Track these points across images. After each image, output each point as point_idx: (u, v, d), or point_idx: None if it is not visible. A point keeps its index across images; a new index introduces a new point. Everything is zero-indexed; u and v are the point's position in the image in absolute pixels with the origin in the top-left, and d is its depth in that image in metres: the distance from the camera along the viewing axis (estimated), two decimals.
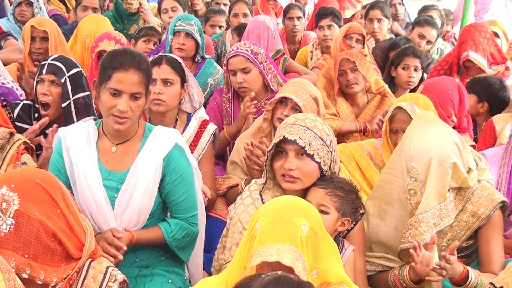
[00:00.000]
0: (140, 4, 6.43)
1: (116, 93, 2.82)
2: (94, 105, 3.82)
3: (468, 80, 5.23)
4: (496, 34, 5.86)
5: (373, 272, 3.08)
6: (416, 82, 5.00)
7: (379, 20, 6.47)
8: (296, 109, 3.60)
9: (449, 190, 2.98)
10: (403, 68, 5.06)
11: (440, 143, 2.94)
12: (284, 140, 2.79)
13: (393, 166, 3.11)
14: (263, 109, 4.04)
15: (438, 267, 2.77)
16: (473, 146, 4.24)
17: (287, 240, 2.15)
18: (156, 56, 3.82)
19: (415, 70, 5.05)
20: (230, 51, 4.39)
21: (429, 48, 6.29)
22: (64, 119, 3.73)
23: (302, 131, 2.78)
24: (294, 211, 2.24)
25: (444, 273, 2.78)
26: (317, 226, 2.24)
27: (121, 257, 2.82)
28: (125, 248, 2.85)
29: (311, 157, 2.77)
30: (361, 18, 7.24)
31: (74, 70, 3.78)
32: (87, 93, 3.80)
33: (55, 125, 3.54)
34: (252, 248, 2.20)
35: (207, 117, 3.93)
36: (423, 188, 2.92)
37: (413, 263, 2.82)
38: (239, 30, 5.72)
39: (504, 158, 3.74)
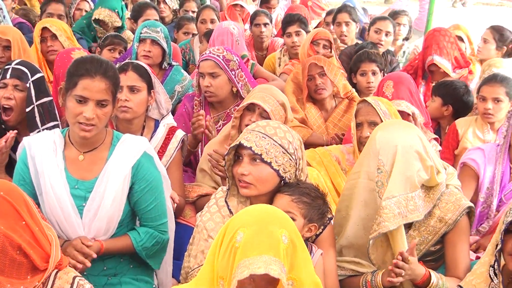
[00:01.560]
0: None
1: (82, 100, 2.80)
2: (57, 113, 3.77)
3: (433, 84, 5.30)
4: (460, 38, 5.94)
5: (344, 276, 3.08)
6: (376, 86, 4.98)
7: (347, 24, 6.52)
8: (264, 115, 3.61)
9: (421, 186, 3.00)
10: (361, 74, 5.08)
11: (405, 135, 3.00)
12: (242, 146, 2.79)
13: (357, 170, 3.14)
14: (232, 116, 4.03)
15: (394, 266, 2.79)
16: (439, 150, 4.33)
17: (271, 251, 2.13)
18: (122, 63, 3.78)
19: (373, 74, 5.06)
20: (203, 54, 4.38)
21: (390, 40, 6.35)
22: (27, 124, 3.67)
23: (260, 138, 2.78)
24: (275, 222, 2.21)
25: (403, 273, 2.79)
26: (295, 237, 2.24)
27: (88, 264, 2.80)
28: (94, 255, 2.82)
29: (268, 164, 2.76)
30: (327, 25, 7.28)
31: (38, 75, 3.73)
32: (50, 98, 3.76)
33: (14, 131, 3.49)
34: (235, 259, 2.16)
35: (175, 124, 3.92)
36: (389, 178, 2.97)
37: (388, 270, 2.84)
38: (209, 36, 5.71)
39: (498, 157, 3.79)
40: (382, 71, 5.10)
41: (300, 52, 5.57)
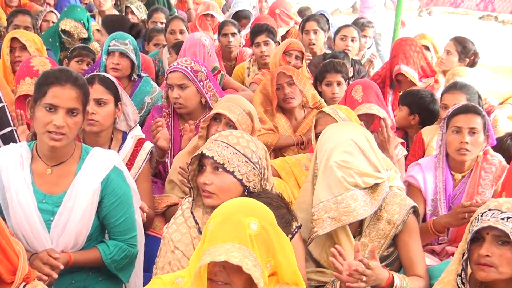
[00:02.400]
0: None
1: (52, 109, 2.78)
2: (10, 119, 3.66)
3: (400, 93, 5.36)
4: (426, 47, 6.02)
5: None
6: (341, 97, 5.00)
7: (315, 32, 6.55)
8: (230, 124, 3.62)
9: (356, 186, 3.02)
10: (326, 85, 5.08)
11: (335, 141, 3.05)
12: (204, 156, 2.80)
13: (307, 173, 3.22)
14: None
15: (355, 272, 2.78)
16: (405, 156, 4.38)
17: (236, 238, 2.20)
18: (88, 75, 3.76)
19: (338, 84, 5.06)
20: (171, 66, 4.37)
21: (357, 46, 6.42)
22: None
23: (222, 147, 2.79)
24: (243, 210, 2.28)
25: (364, 279, 2.79)
26: (268, 224, 2.29)
27: (55, 275, 2.77)
28: (61, 267, 2.80)
29: (231, 173, 2.78)
30: (296, 36, 7.33)
31: None
32: (1, 104, 3.62)
33: None
34: (203, 248, 2.25)
35: (143, 136, 3.89)
36: None
37: (336, 273, 2.83)
38: (177, 48, 5.71)
39: (437, 167, 3.84)
40: (347, 81, 5.13)
41: (272, 62, 5.61)
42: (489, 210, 2.56)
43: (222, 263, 2.21)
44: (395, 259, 3.17)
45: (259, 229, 2.25)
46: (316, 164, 3.10)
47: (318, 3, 9.64)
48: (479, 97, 4.63)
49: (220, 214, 2.29)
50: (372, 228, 3.11)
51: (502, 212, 2.51)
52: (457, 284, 2.61)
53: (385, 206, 3.11)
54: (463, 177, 3.81)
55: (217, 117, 3.68)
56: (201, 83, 4.29)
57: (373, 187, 3.08)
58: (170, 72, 4.30)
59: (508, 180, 3.24)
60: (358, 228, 3.15)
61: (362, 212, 3.01)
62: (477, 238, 2.57)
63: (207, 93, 4.32)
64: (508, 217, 2.49)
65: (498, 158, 3.83)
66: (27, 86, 4.20)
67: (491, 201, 2.65)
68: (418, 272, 3.05)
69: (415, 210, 3.15)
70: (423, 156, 4.53)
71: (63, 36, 6.32)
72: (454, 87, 4.57)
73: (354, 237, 3.11)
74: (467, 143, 3.67)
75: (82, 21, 6.45)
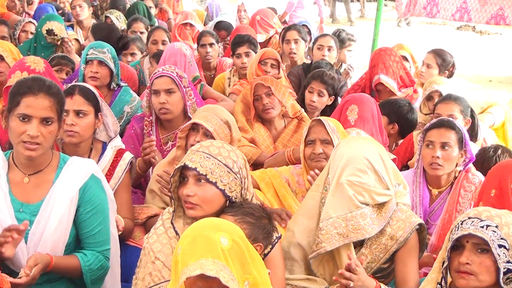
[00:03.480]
0: (65, 41, 6.31)
1: (26, 118, 2.77)
2: None
3: (379, 103, 5.38)
4: (404, 58, 6.06)
5: None
6: (318, 107, 5.06)
7: (296, 41, 6.58)
8: (208, 134, 3.61)
9: (366, 205, 3.05)
10: (309, 91, 5.10)
11: (349, 158, 3.06)
12: (186, 167, 2.79)
13: (318, 182, 3.24)
14: None
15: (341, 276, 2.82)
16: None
17: (209, 254, 2.18)
18: (69, 86, 3.73)
19: (319, 95, 5.07)
20: (156, 72, 4.34)
21: (334, 55, 6.46)
22: None
23: (204, 158, 2.79)
24: (211, 227, 2.28)
25: (351, 284, 2.81)
26: (238, 238, 2.28)
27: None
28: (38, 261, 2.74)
29: (214, 184, 2.78)
30: (276, 46, 7.35)
31: None
32: None
33: None
34: (178, 271, 2.21)
35: (123, 146, 3.87)
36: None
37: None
38: (158, 57, 5.70)
39: (415, 181, 3.86)
40: (332, 97, 5.13)
41: (248, 72, 5.62)
42: (469, 218, 2.59)
43: (199, 283, 2.18)
44: (391, 272, 3.19)
45: (230, 243, 2.23)
46: (328, 178, 3.12)
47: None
48: (472, 111, 4.68)
49: (187, 236, 2.26)
50: (374, 240, 3.11)
51: (481, 220, 2.54)
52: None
53: (390, 222, 3.13)
54: (440, 192, 3.83)
55: (195, 127, 3.68)
56: (185, 89, 4.30)
57: (381, 204, 3.10)
58: (156, 78, 4.28)
59: (484, 190, 3.26)
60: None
61: (370, 230, 3.04)
62: (457, 246, 2.60)
63: (188, 101, 4.31)
64: (488, 225, 2.52)
65: (478, 178, 3.82)
66: (16, 79, 4.18)
67: (470, 210, 2.68)
68: None
69: (419, 228, 3.16)
70: (410, 159, 4.56)
71: (48, 37, 6.26)
72: (448, 98, 4.63)
73: (355, 247, 3.11)
74: (438, 157, 3.69)
75: (63, 24, 6.42)
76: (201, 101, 4.63)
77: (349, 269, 2.83)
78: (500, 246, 2.49)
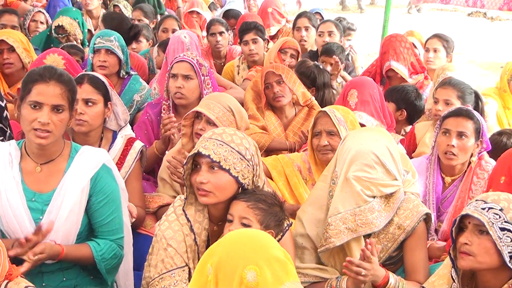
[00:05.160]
0: (70, 40, 6.33)
1: (37, 106, 2.77)
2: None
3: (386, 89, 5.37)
4: (414, 45, 6.02)
5: (307, 283, 3.10)
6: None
7: (306, 29, 6.58)
8: (211, 122, 3.62)
9: (374, 197, 3.04)
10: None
11: (356, 152, 3.05)
12: (200, 154, 2.79)
13: (326, 173, 3.24)
14: None
15: (354, 264, 2.83)
16: None
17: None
18: (78, 75, 3.74)
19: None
20: (177, 57, 4.38)
21: (337, 40, 6.41)
22: None
23: (218, 145, 2.78)
24: (240, 256, 1.92)
25: (363, 273, 2.82)
26: (265, 264, 1.92)
27: (23, 269, 2.67)
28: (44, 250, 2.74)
29: (227, 171, 2.77)
30: (287, 35, 7.33)
31: None
32: None
33: None
34: None
35: (133, 135, 3.89)
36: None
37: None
38: (164, 46, 5.70)
39: (429, 168, 3.84)
40: (313, 88, 5.16)
41: (266, 58, 5.63)
42: (476, 200, 2.61)
43: None
44: (399, 259, 3.19)
45: (257, 278, 1.86)
46: (335, 172, 3.12)
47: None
48: (478, 97, 4.63)
49: (217, 254, 1.95)
50: (382, 230, 3.11)
51: (485, 203, 2.56)
52: (452, 276, 2.64)
53: (397, 211, 3.13)
54: (453, 180, 3.81)
55: (199, 115, 3.68)
56: (203, 78, 4.31)
57: (389, 195, 3.11)
58: (177, 62, 4.31)
59: (493, 177, 3.25)
60: None
61: (378, 224, 3.05)
62: (462, 228, 2.61)
63: (205, 89, 4.32)
64: (490, 208, 2.53)
65: (491, 165, 3.76)
66: None
67: (481, 194, 2.68)
68: (419, 279, 3.05)
69: (426, 217, 3.16)
70: (413, 151, 4.54)
71: (55, 34, 6.28)
72: (448, 83, 4.58)
73: (363, 237, 3.11)
74: (453, 146, 3.65)
75: (77, 20, 6.43)
76: (219, 91, 4.61)
77: (363, 258, 2.84)
78: (503, 229, 2.49)
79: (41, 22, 6.91)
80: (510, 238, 2.49)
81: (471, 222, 2.56)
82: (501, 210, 2.51)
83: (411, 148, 4.67)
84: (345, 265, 2.87)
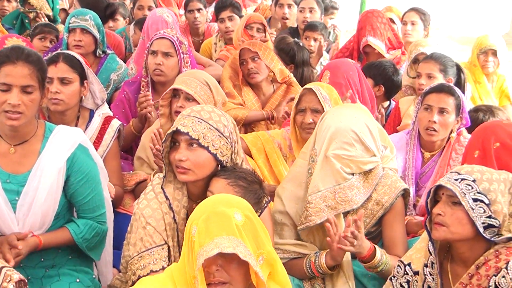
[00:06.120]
0: (38, 16, 6.23)
1: (6, 88, 2.73)
2: None
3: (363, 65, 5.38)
4: (391, 20, 6.03)
5: (286, 259, 3.12)
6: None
7: (289, 6, 6.56)
8: (189, 98, 3.60)
9: (353, 174, 3.06)
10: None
11: (336, 130, 3.06)
12: (178, 132, 2.78)
13: (305, 150, 3.26)
14: None
15: (349, 234, 2.86)
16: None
17: (223, 231, 2.18)
18: (53, 54, 3.70)
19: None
20: (157, 34, 4.37)
21: (317, 17, 6.42)
22: None
23: (196, 123, 2.77)
24: (223, 203, 2.27)
25: (355, 242, 2.86)
26: (250, 213, 2.28)
27: (12, 263, 2.70)
28: (22, 251, 2.76)
29: (206, 148, 2.77)
30: (264, 12, 7.28)
31: None
32: None
33: None
34: (194, 252, 2.21)
35: (110, 113, 3.87)
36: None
37: (329, 240, 2.91)
38: (140, 24, 5.64)
39: (409, 143, 3.86)
40: (291, 65, 5.18)
41: (234, 37, 5.60)
42: (450, 172, 2.64)
43: (218, 261, 2.20)
44: (378, 234, 3.23)
45: (243, 218, 2.23)
46: (315, 149, 3.13)
47: None
48: (460, 69, 4.68)
49: (200, 214, 2.25)
50: (361, 206, 3.13)
51: (459, 174, 2.58)
52: (429, 249, 2.67)
53: (376, 187, 3.16)
54: (432, 155, 3.84)
55: (176, 93, 3.67)
56: (182, 56, 4.31)
57: (368, 171, 3.13)
58: (157, 39, 4.30)
59: (468, 151, 3.28)
60: None
61: (358, 201, 3.08)
62: (437, 200, 2.63)
63: (184, 68, 4.32)
64: (463, 179, 2.55)
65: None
66: None
67: (456, 167, 2.72)
68: (398, 253, 3.08)
69: (404, 193, 3.19)
70: (398, 125, 4.57)
71: (23, 10, 6.19)
72: (429, 57, 4.64)
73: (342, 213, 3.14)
74: (435, 122, 3.68)
75: None
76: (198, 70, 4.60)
77: (355, 227, 2.87)
78: (475, 200, 2.51)
79: (8, 1, 6.78)
80: (483, 209, 2.51)
81: (444, 193, 2.59)
82: (473, 181, 2.54)
83: (396, 122, 4.71)
84: (344, 237, 2.88)
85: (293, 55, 5.18)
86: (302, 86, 4.89)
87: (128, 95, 4.43)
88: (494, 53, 5.56)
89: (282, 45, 5.16)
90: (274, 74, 4.73)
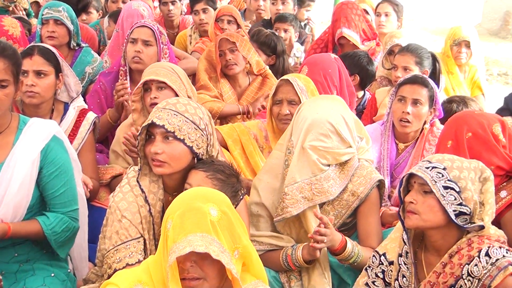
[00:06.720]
0: (16, 8, 6.17)
1: None
2: None
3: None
4: (365, 11, 6.06)
5: (262, 251, 3.13)
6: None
7: None
8: (161, 87, 3.60)
9: (329, 165, 3.08)
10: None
11: (312, 121, 3.07)
12: (154, 125, 2.78)
13: (281, 141, 3.27)
14: None
15: (317, 233, 2.88)
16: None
17: (198, 228, 2.18)
18: (27, 47, 3.67)
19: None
20: (137, 22, 4.39)
21: (290, 8, 6.42)
22: None
23: (172, 115, 2.77)
24: (200, 198, 2.26)
25: (325, 240, 2.88)
26: (226, 207, 2.28)
27: None
28: None
29: (181, 141, 2.77)
30: (238, 4, 7.27)
31: None
32: None
33: None
34: (167, 247, 2.21)
35: (85, 106, 3.86)
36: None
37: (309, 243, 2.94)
38: (115, 17, 5.60)
39: (383, 134, 3.90)
40: (275, 56, 5.21)
41: (209, 31, 5.58)
42: (422, 161, 2.68)
43: (192, 258, 2.20)
44: (353, 225, 3.25)
45: (219, 214, 2.23)
46: (291, 141, 3.14)
47: None
48: (436, 59, 4.73)
49: (176, 209, 2.25)
50: (336, 197, 3.15)
51: (430, 163, 2.61)
52: (403, 239, 2.70)
53: (352, 178, 3.17)
54: (406, 146, 3.88)
55: (147, 86, 3.65)
56: (162, 46, 4.32)
57: (344, 162, 3.15)
58: (138, 27, 4.31)
59: (441, 141, 3.33)
60: None
61: (334, 192, 3.10)
62: (409, 189, 2.67)
63: (162, 58, 4.32)
64: (434, 167, 2.59)
65: None
66: None
67: (428, 156, 2.75)
68: (372, 244, 3.11)
69: (379, 184, 3.21)
70: (375, 115, 4.60)
71: (2, 2, 6.12)
72: (405, 49, 4.68)
73: (318, 205, 3.14)
74: (408, 113, 3.72)
75: None
76: (176, 63, 4.58)
77: (323, 224, 2.89)
78: (446, 187, 2.55)
79: None
80: (454, 196, 2.55)
81: (416, 181, 2.62)
82: (444, 169, 2.58)
83: (373, 113, 4.75)
84: (310, 237, 2.91)
85: (274, 46, 5.21)
86: (284, 75, 4.96)
87: (104, 85, 4.41)
88: (467, 45, 5.62)
89: (262, 38, 5.17)
90: (250, 65, 4.73)
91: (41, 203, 2.97)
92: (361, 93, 5.14)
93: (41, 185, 2.92)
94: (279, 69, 5.19)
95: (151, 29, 4.30)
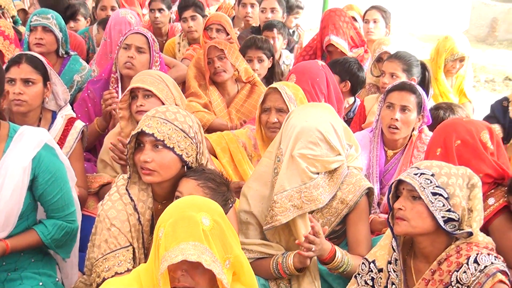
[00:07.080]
0: (3, 15, 6.15)
1: None
2: None
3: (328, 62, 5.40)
4: (353, 18, 6.08)
5: (252, 259, 3.12)
6: (262, 73, 5.12)
7: (252, 5, 6.57)
8: (148, 95, 3.60)
9: (318, 173, 3.09)
10: (249, 61, 5.07)
11: (301, 129, 3.08)
12: (143, 133, 2.77)
13: (270, 149, 3.27)
14: None
15: (306, 240, 2.88)
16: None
17: (190, 237, 2.17)
18: (15, 55, 3.66)
19: (259, 61, 5.12)
20: (132, 29, 4.42)
21: (279, 17, 6.40)
22: None
23: (161, 123, 2.77)
24: (192, 207, 2.26)
25: (313, 248, 2.88)
26: (219, 217, 2.28)
27: None
28: None
29: (171, 149, 2.77)
30: (227, 11, 7.28)
31: None
32: None
33: None
34: (159, 255, 2.21)
35: (73, 115, 3.85)
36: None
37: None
38: (104, 24, 5.59)
39: (372, 141, 3.91)
40: (272, 58, 5.19)
41: (201, 39, 5.59)
42: (410, 168, 2.69)
43: (183, 266, 2.20)
44: (343, 233, 3.25)
45: (211, 223, 2.23)
46: (280, 149, 3.14)
47: None
48: (425, 68, 4.74)
49: (168, 217, 2.24)
50: (326, 205, 3.15)
51: (418, 169, 2.62)
52: (392, 246, 2.71)
53: (341, 186, 3.18)
54: (395, 153, 3.90)
55: (133, 94, 3.66)
56: (154, 54, 4.33)
57: (333, 170, 3.15)
58: (132, 33, 4.33)
59: (430, 149, 3.34)
60: None
61: (323, 200, 3.10)
62: (398, 196, 2.68)
63: (153, 66, 4.34)
64: (422, 173, 2.60)
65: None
66: None
67: (417, 162, 2.76)
68: (362, 252, 3.11)
69: (368, 192, 3.22)
70: (363, 122, 4.62)
71: None
72: (393, 56, 4.71)
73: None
74: (397, 120, 3.75)
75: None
76: (166, 71, 4.61)
77: (313, 233, 2.88)
78: (434, 194, 2.56)
79: None
80: (442, 203, 2.56)
81: (405, 188, 2.63)
82: (432, 175, 2.59)
83: (361, 120, 4.76)
84: (297, 243, 2.91)
85: (272, 49, 5.22)
86: (277, 78, 4.99)
87: (92, 93, 4.40)
88: (462, 59, 5.57)
89: (260, 43, 5.14)
90: (239, 73, 4.73)
91: (32, 210, 2.97)
92: (351, 100, 5.16)
93: (37, 194, 2.91)
94: (277, 72, 5.24)
95: (145, 36, 4.32)
